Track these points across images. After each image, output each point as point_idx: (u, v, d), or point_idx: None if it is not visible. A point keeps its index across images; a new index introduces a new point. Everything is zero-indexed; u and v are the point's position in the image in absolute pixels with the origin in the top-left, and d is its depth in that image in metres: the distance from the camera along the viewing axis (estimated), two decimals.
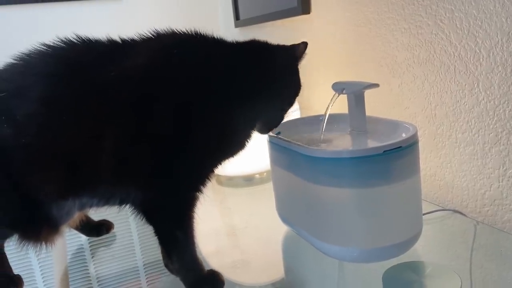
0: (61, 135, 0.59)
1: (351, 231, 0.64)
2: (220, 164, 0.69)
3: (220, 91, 0.64)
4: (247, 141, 0.70)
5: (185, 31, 0.66)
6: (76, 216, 0.79)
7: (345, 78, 0.77)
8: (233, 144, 0.69)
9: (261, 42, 0.72)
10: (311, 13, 1.23)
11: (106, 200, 0.66)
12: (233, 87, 0.65)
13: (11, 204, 0.62)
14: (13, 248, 0.70)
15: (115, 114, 0.60)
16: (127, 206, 0.66)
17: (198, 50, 0.66)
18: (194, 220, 0.65)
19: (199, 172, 0.65)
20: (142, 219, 0.65)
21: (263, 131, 0.74)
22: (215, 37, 0.68)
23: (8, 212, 0.63)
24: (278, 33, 1.44)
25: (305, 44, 0.73)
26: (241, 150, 0.70)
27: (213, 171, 0.68)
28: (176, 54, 0.63)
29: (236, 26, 1.71)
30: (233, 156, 0.70)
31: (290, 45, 0.72)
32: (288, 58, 0.71)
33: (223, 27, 1.89)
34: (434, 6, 0.83)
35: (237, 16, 1.69)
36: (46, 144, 0.59)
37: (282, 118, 0.75)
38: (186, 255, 0.65)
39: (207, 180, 0.66)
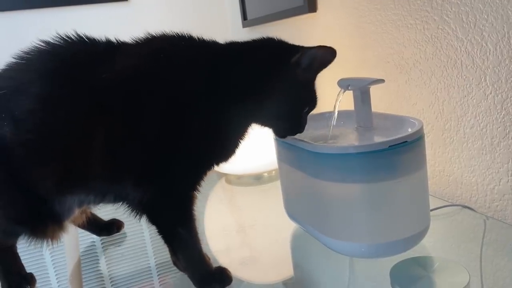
0: (56, 132, 0.61)
1: (359, 227, 0.64)
2: (213, 165, 0.68)
3: (210, 93, 0.64)
4: (239, 142, 0.69)
5: (178, 34, 0.66)
6: (80, 214, 0.81)
7: (352, 75, 0.76)
8: (223, 146, 0.68)
9: (257, 43, 0.69)
10: (317, 11, 1.24)
11: (102, 197, 0.67)
12: (221, 89, 0.64)
13: (18, 201, 0.64)
14: (25, 247, 0.71)
15: (107, 113, 0.61)
16: (124, 205, 0.67)
17: (189, 53, 0.66)
18: (195, 218, 0.66)
19: (192, 172, 0.66)
20: (138, 217, 0.66)
21: (278, 135, 0.73)
22: (206, 40, 0.68)
23: (16, 209, 0.65)
24: (285, 32, 1.44)
25: (320, 50, 0.65)
26: (233, 152, 0.69)
27: (206, 171, 0.68)
28: (168, 57, 0.64)
29: (244, 26, 1.71)
30: (226, 159, 0.69)
31: (287, 48, 0.67)
32: (276, 62, 0.66)
33: (231, 27, 1.90)
34: (440, 1, 0.83)
35: (244, 16, 1.70)
36: (42, 140, 0.61)
37: (296, 123, 0.70)
38: (191, 252, 0.66)
39: (202, 179, 0.67)
